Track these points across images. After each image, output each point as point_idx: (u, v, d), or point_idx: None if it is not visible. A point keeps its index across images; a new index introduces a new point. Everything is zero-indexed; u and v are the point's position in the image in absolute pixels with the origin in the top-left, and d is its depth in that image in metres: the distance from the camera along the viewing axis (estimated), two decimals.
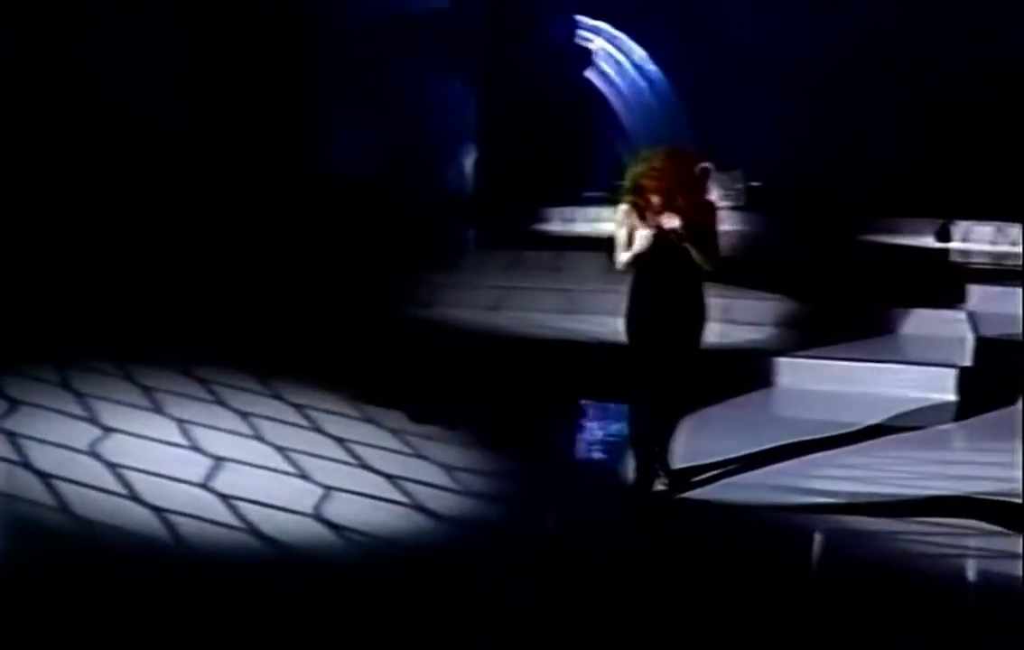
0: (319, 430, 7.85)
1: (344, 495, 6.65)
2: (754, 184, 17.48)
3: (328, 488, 6.73)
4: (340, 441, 7.60)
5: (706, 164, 7.32)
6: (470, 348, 10.07)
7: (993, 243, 14.97)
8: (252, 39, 14.38)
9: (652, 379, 6.54)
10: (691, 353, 6.65)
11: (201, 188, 13.08)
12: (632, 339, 6.65)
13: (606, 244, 6.77)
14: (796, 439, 7.77)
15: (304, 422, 8.04)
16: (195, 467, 7.04)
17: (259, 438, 7.69)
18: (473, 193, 17.66)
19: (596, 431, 7.95)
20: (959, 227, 15.17)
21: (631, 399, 6.80)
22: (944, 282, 11.51)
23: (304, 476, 6.96)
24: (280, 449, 7.41)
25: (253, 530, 6.13)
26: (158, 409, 8.25)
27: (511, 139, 17.58)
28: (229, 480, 6.85)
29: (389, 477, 6.92)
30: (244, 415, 8.12)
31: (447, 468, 7.11)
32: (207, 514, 6.31)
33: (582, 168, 18.78)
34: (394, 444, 7.58)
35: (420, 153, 16.77)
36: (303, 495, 6.62)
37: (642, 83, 20.33)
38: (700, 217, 6.49)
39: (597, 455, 7.46)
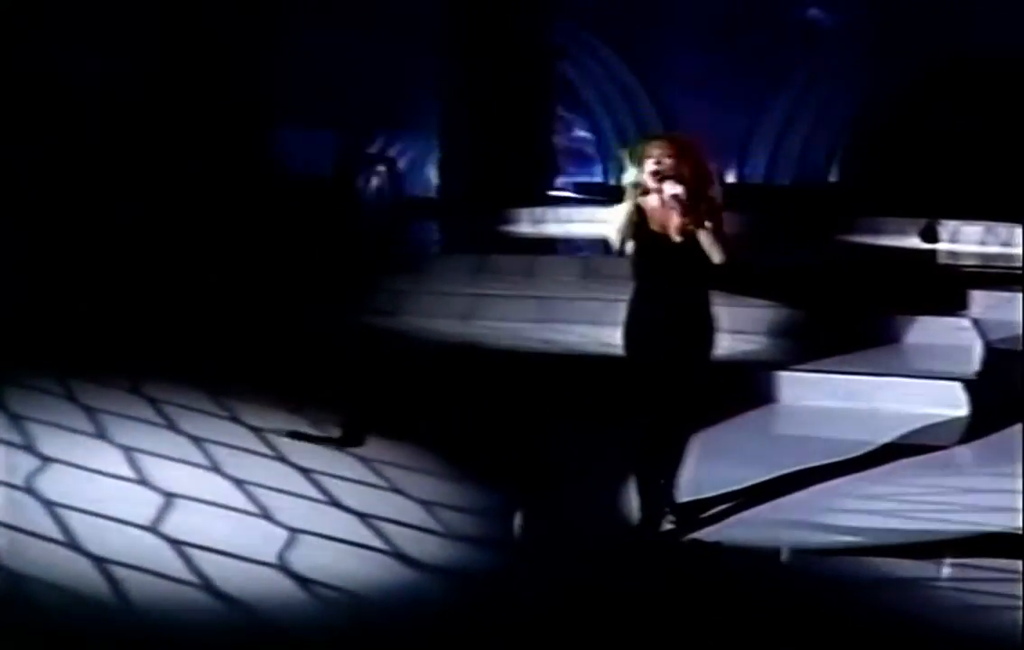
0: (282, 459, 7.08)
1: (312, 539, 5.88)
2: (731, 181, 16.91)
3: (294, 531, 5.95)
4: (306, 472, 6.83)
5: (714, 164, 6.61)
6: (442, 362, 9.32)
7: (983, 243, 14.46)
8: (203, 37, 13.60)
9: (658, 401, 5.81)
10: (701, 370, 5.94)
11: (148, 190, 12.31)
12: (634, 355, 5.93)
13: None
14: (806, 464, 7.10)
15: (265, 449, 7.27)
16: (142, 506, 6.25)
17: (215, 469, 6.91)
18: (436, 193, 16.93)
19: (592, 459, 7.18)
20: (947, 227, 14.66)
21: (634, 424, 6.02)
22: (942, 287, 10.91)
23: (267, 516, 6.18)
24: (239, 483, 6.63)
25: (209, 586, 5.35)
26: (101, 434, 7.44)
27: (475, 137, 16.87)
28: (180, 522, 6.07)
29: (362, 516, 6.16)
30: (197, 441, 7.34)
31: (426, 505, 6.36)
32: (155, 565, 5.52)
33: (550, 166, 18.16)
34: (366, 475, 6.83)
35: (380, 152, 16.00)
36: (266, 540, 5.86)
37: (612, 79, 19.72)
38: (707, 204, 5.81)
39: (595, 488, 6.66)
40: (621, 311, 10.19)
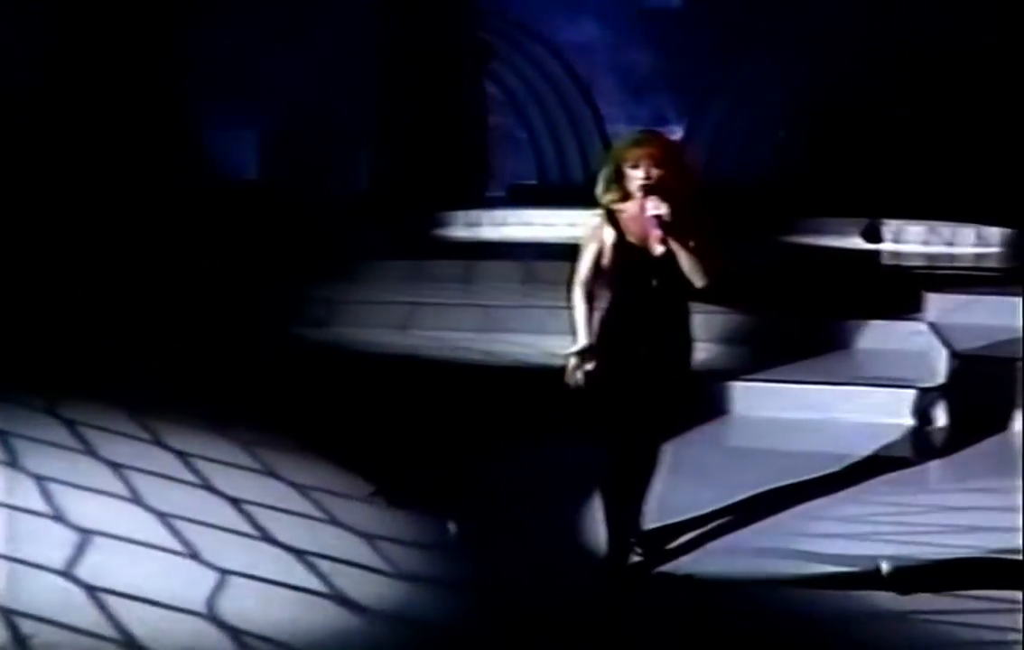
0: (209, 488, 6.50)
1: (244, 582, 5.33)
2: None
3: (224, 572, 5.39)
4: (235, 503, 6.27)
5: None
6: (380, 376, 8.77)
7: (926, 243, 14.20)
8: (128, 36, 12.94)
9: (630, 422, 5.30)
10: (678, 390, 5.46)
11: (67, 193, 11.64)
12: (606, 372, 5.36)
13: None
14: (768, 481, 6.66)
15: (190, 476, 6.69)
16: (55, 546, 5.65)
17: (135, 500, 6.32)
18: (367, 196, 16.34)
19: (550, 483, 6.67)
20: (890, 227, 14.39)
21: (598, 445, 5.49)
22: (894, 289, 10.56)
23: (194, 555, 5.61)
24: (162, 516, 6.05)
25: (128, 640, 4.77)
26: (11, 461, 6.82)
27: (407, 136, 16.33)
28: (97, 564, 5.49)
29: (299, 553, 5.61)
30: (116, 468, 6.74)
31: (368, 538, 5.82)
32: (68, 616, 4.94)
33: (485, 167, 17.68)
34: (302, 505, 6.27)
35: (308, 154, 15.39)
36: (193, 583, 5.29)
37: (543, 77, 19.27)
38: (692, 219, 5.25)
39: (554, 517, 6.12)
40: (566, 319, 9.87)
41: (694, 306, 5.52)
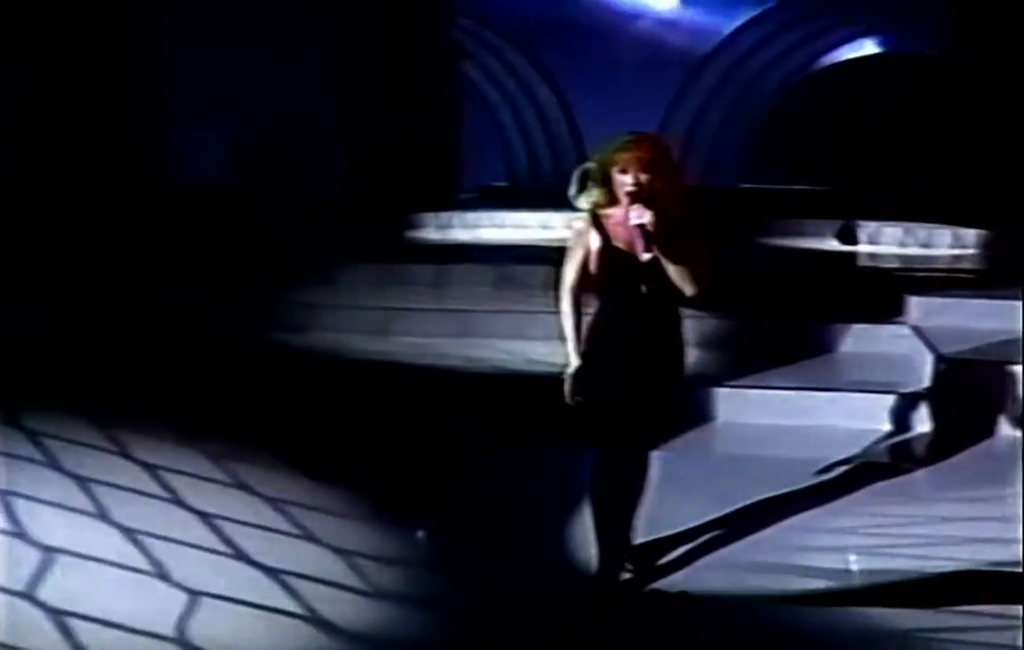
0: (178, 502, 6.24)
1: (215, 603, 5.08)
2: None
3: (194, 593, 5.14)
4: (204, 517, 6.02)
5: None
6: (355, 383, 8.52)
7: (902, 245, 14.10)
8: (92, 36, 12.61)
9: (619, 435, 5.08)
10: (668, 402, 5.25)
11: (29, 198, 11.32)
12: (593, 387, 5.13)
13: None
14: (759, 492, 6.46)
15: (158, 490, 6.43)
16: (15, 565, 5.38)
17: (101, 516, 6.05)
18: (337, 198, 16.05)
19: (536, 496, 6.44)
20: (866, 229, 14.27)
21: (585, 456, 5.26)
22: (875, 291, 10.42)
23: (163, 575, 5.36)
24: (129, 533, 5.79)
25: None
26: None
27: (376, 139, 16.05)
28: (60, 585, 5.22)
29: (272, 573, 5.36)
30: (80, 481, 6.47)
31: (346, 555, 5.58)
32: (29, 640, 4.69)
33: (456, 168, 17.44)
34: (274, 520, 6.02)
35: (277, 156, 15.09)
36: (162, 605, 5.04)
37: (515, 77, 19.05)
38: (681, 225, 5.02)
39: (542, 531, 5.87)
40: (546, 323, 9.64)
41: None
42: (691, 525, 5.86)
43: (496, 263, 11.70)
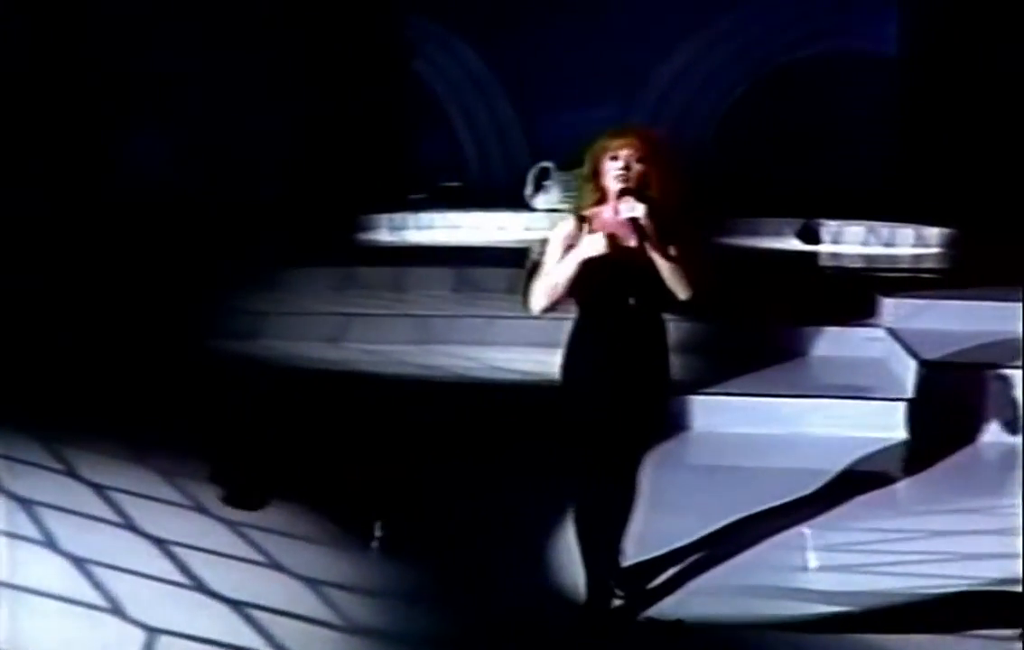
0: (132, 527, 5.83)
1: (174, 641, 4.68)
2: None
3: (151, 630, 4.74)
4: (161, 544, 5.61)
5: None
6: (311, 392, 8.14)
7: (865, 244, 13.90)
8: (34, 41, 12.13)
9: (603, 454, 4.73)
10: (655, 417, 4.91)
11: None
12: (576, 399, 4.77)
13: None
14: (741, 504, 6.17)
15: (110, 513, 6.01)
16: None
17: (48, 543, 5.63)
18: (285, 200, 15.61)
19: (513, 518, 6.06)
20: (828, 228, 14.04)
21: (574, 480, 4.89)
22: (846, 293, 10.17)
23: (117, 609, 4.95)
24: (79, 563, 5.37)
25: None
26: None
27: (326, 137, 15.63)
28: (3, 619, 4.81)
29: (237, 606, 4.97)
30: (24, 504, 6.05)
31: (315, 585, 5.19)
32: None
33: (407, 168, 17.06)
34: (236, 547, 5.62)
35: (222, 158, 14.62)
36: (117, 643, 4.63)
37: (466, 75, 18.67)
38: (676, 223, 4.68)
39: (524, 558, 5.48)
40: (505, 328, 9.33)
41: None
42: (676, 545, 5.53)
43: (455, 265, 11.34)
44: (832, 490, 6.56)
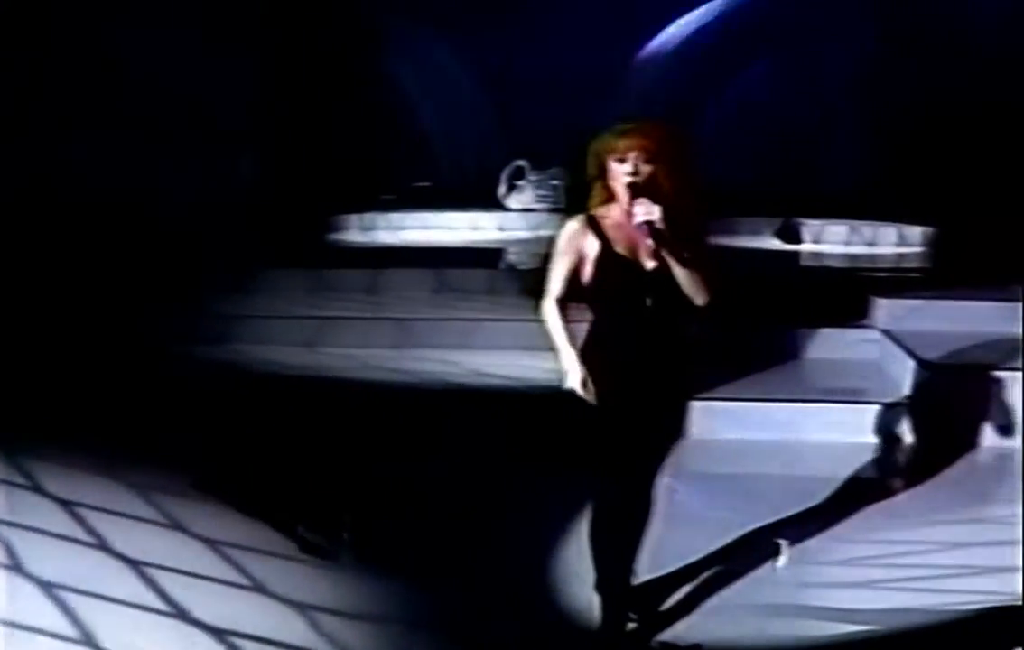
0: (104, 547, 5.46)
1: None
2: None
3: None
4: (134, 565, 5.24)
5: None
6: (287, 399, 7.77)
7: (847, 243, 13.68)
8: None
9: (618, 468, 4.41)
10: (675, 423, 4.59)
11: None
12: (591, 406, 4.40)
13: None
14: (743, 512, 5.88)
15: (79, 532, 5.64)
16: None
17: (11, 566, 5.25)
18: (253, 200, 15.20)
19: (514, 533, 5.72)
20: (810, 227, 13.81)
21: (590, 494, 4.54)
22: (839, 294, 9.92)
23: (88, 640, 4.58)
24: (46, 587, 5.00)
25: None
26: None
27: (294, 136, 15.25)
28: None
29: (220, 634, 4.61)
30: None
31: (306, 611, 4.84)
32: None
33: (377, 167, 16.69)
34: (216, 568, 5.25)
35: (186, 155, 14.19)
36: None
37: (438, 72, 18.31)
38: (692, 225, 4.35)
39: (528, 576, 5.14)
40: (492, 332, 9.02)
41: None
42: (686, 562, 5.22)
43: (432, 266, 11.01)
44: (837, 500, 6.27)
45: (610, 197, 4.40)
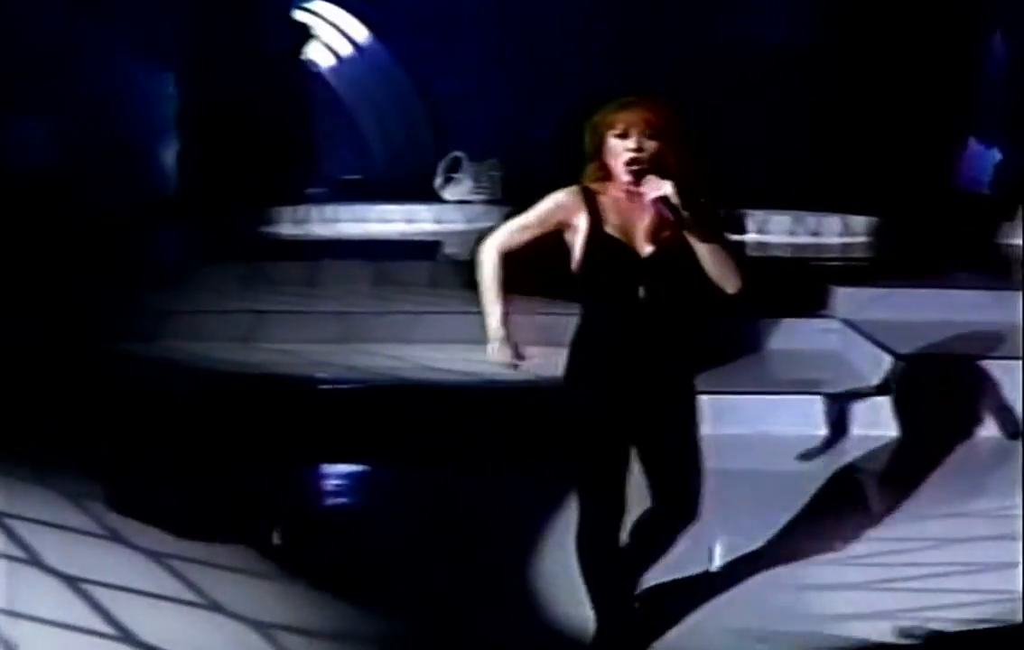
0: (36, 562, 4.96)
1: None
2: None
3: None
4: (74, 583, 4.75)
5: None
6: (224, 397, 7.32)
7: (792, 234, 13.50)
8: None
9: (612, 475, 4.00)
10: (672, 423, 4.15)
11: None
12: (581, 406, 4.00)
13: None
14: (742, 520, 5.53)
15: (7, 545, 5.14)
16: None
17: None
18: (181, 193, 14.68)
19: (488, 540, 5.30)
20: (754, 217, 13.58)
21: (586, 500, 4.06)
22: (798, 284, 9.65)
23: None
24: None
25: None
26: None
27: (221, 130, 14.72)
28: None
29: None
30: None
31: (263, 630, 4.39)
32: None
33: (306, 160, 16.25)
34: (164, 585, 4.78)
35: (112, 147, 13.63)
36: None
37: (369, 64, 17.90)
38: (703, 206, 3.93)
39: (510, 590, 4.71)
40: (435, 325, 8.64)
41: None
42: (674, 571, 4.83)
43: (370, 259, 10.61)
44: (821, 497, 5.96)
45: (606, 176, 3.99)
